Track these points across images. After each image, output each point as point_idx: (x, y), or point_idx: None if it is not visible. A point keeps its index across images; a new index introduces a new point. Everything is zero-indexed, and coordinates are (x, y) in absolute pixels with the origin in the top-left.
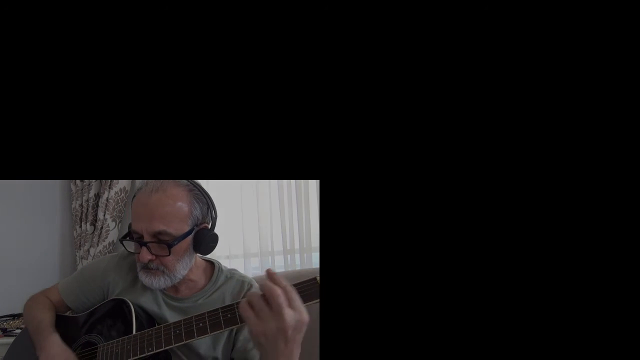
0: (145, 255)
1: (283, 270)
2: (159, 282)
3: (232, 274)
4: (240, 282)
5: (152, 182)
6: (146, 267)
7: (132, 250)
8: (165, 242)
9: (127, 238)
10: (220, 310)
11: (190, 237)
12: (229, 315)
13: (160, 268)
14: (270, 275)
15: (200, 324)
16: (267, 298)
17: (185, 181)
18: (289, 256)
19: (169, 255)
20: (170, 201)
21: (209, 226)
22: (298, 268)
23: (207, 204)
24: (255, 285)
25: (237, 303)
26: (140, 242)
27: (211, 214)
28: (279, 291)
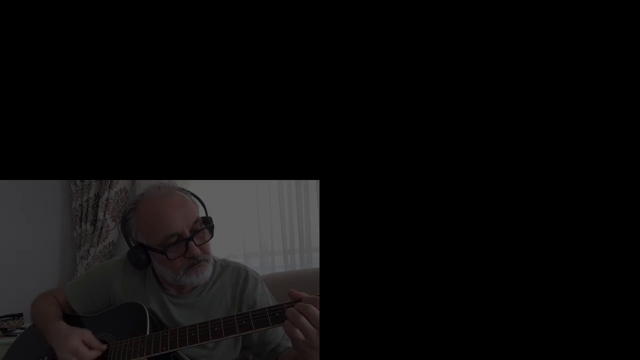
0: (196, 249)
1: (283, 270)
2: (207, 271)
3: (226, 263)
4: (237, 270)
5: (154, 192)
6: (195, 263)
7: (177, 255)
8: (205, 228)
9: (156, 250)
10: (235, 316)
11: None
12: (243, 322)
13: (205, 257)
14: (295, 295)
15: (216, 328)
16: (310, 320)
17: (174, 184)
18: (289, 256)
19: (211, 237)
20: (184, 197)
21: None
22: (298, 268)
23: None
24: (250, 270)
25: (252, 311)
26: (186, 238)
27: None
28: (315, 309)
